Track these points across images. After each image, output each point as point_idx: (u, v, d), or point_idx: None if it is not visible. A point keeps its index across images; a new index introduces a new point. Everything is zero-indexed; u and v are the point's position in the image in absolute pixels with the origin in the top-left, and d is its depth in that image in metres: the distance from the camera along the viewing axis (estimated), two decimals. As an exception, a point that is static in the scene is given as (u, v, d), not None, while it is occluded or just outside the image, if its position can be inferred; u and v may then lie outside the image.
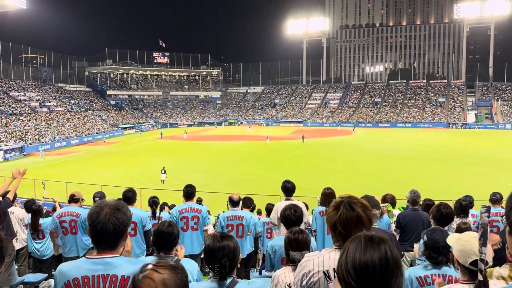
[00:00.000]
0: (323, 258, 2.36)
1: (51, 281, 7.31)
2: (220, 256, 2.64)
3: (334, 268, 2.30)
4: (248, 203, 8.07)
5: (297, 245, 3.37)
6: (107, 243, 2.37)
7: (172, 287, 1.61)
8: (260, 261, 8.85)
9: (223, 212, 14.21)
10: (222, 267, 2.64)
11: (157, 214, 7.41)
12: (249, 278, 7.00)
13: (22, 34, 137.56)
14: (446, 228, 4.40)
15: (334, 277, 2.30)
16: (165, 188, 24.12)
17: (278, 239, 4.56)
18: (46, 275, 7.27)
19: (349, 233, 2.27)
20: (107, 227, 2.31)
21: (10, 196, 6.79)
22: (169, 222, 3.54)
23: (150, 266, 1.63)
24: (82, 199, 6.85)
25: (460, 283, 2.57)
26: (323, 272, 2.33)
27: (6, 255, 2.66)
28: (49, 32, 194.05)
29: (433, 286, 3.29)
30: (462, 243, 2.49)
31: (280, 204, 6.47)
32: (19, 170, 7.00)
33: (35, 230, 7.59)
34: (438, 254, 3.42)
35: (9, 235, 6.52)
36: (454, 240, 2.63)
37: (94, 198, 7.32)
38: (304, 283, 2.39)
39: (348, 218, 2.24)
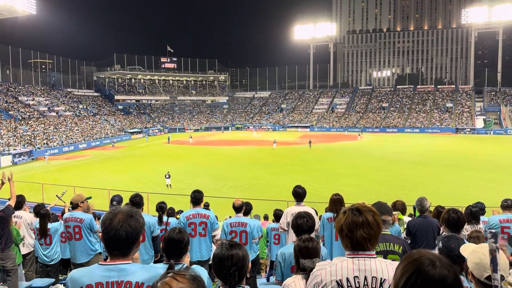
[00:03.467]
0: (336, 267, 2.32)
1: (59, 286, 7.31)
2: (229, 265, 2.59)
3: (347, 278, 2.27)
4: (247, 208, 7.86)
5: (308, 253, 3.32)
6: (119, 250, 2.37)
7: None
8: (267, 267, 8.76)
9: (230, 217, 14.22)
10: (231, 276, 2.59)
11: (164, 220, 7.39)
12: (255, 285, 6.91)
13: (32, 39, 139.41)
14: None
15: (348, 286, 2.27)
16: (172, 193, 24.16)
17: (287, 247, 4.47)
18: (53, 280, 7.27)
19: (354, 235, 2.26)
20: (120, 234, 2.31)
21: (11, 203, 6.69)
22: (179, 229, 3.48)
23: (170, 274, 1.64)
24: (82, 202, 6.72)
25: None
26: (336, 281, 2.29)
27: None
28: (58, 37, 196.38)
29: None
30: (479, 256, 2.37)
31: (290, 209, 6.36)
32: (7, 176, 6.45)
33: (43, 235, 7.55)
34: (453, 263, 3.34)
35: (9, 242, 6.46)
36: (469, 251, 2.52)
37: (111, 201, 7.37)
38: None
39: (353, 221, 2.27)
